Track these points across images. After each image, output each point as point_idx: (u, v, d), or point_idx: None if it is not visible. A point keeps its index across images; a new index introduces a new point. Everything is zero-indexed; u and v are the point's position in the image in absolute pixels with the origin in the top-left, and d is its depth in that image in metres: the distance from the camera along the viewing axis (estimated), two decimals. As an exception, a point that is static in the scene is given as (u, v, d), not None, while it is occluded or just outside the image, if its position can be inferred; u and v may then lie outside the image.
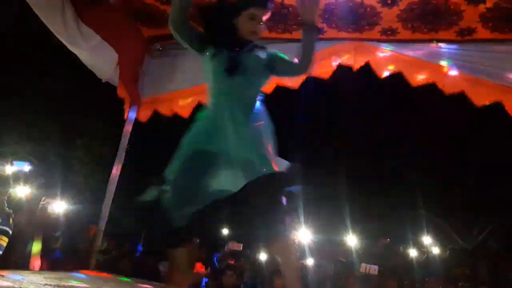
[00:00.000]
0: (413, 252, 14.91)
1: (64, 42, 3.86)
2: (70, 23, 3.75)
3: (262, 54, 2.44)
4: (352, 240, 15.05)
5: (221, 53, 2.35)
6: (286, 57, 2.49)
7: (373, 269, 9.41)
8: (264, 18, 2.39)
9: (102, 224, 4.60)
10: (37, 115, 11.53)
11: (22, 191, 5.30)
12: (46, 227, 4.73)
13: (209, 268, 7.51)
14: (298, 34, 4.25)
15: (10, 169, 4.84)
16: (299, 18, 2.49)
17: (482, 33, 4.05)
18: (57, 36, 3.79)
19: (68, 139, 12.51)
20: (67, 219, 5.22)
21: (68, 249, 5.11)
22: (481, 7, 3.71)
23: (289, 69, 2.54)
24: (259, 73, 2.42)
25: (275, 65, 2.45)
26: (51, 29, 3.74)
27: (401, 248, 15.56)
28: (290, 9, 4.01)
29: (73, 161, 12.64)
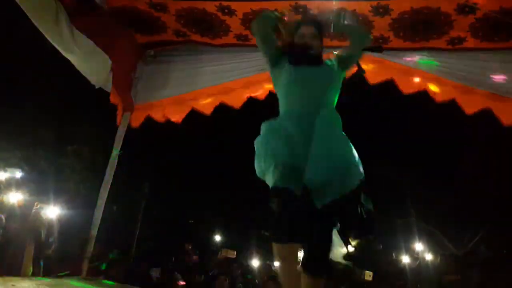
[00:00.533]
0: (405, 259, 14.98)
1: (58, 48, 3.86)
2: (64, 29, 3.75)
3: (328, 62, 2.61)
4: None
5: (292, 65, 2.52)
6: (339, 52, 2.65)
7: (368, 274, 9.44)
8: (308, 32, 2.54)
9: (94, 230, 4.58)
10: (28, 121, 11.46)
11: (13, 197, 5.28)
12: (39, 233, 4.72)
13: (202, 276, 7.48)
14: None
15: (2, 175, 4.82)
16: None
17: (472, 42, 4.12)
18: (51, 41, 3.79)
19: (60, 145, 12.44)
20: (60, 225, 5.21)
21: (61, 255, 5.08)
22: (471, 17, 3.78)
23: (350, 54, 2.63)
24: (327, 79, 2.55)
25: (342, 62, 2.60)
26: (44, 34, 3.73)
27: (393, 254, 15.63)
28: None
29: (65, 168, 12.56)
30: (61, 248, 5.19)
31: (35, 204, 5.07)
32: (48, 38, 3.77)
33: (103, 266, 5.92)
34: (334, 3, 3.84)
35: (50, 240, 4.85)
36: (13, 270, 4.29)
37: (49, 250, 4.84)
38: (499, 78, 4.11)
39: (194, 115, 4.94)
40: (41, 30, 3.69)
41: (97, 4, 4.09)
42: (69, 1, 3.80)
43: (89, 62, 4.22)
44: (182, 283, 6.77)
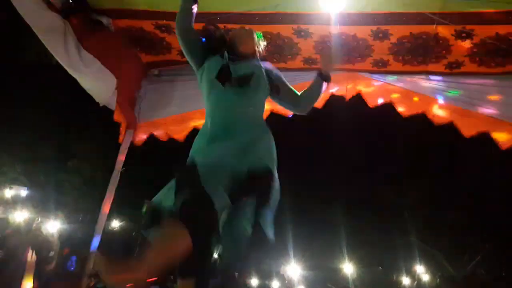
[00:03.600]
0: (405, 280, 14.89)
1: (65, 67, 3.95)
2: (71, 49, 3.85)
3: (264, 68, 2.42)
4: (344, 267, 15.01)
5: (216, 60, 2.37)
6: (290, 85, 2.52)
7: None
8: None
9: (95, 247, 4.58)
10: (31, 137, 11.53)
11: (15, 212, 5.30)
12: (39, 248, 4.73)
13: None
14: (292, 64, 4.42)
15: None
16: (320, 66, 2.65)
17: (470, 66, 4.23)
18: (58, 60, 3.88)
19: (61, 161, 12.49)
20: (60, 241, 5.22)
21: (61, 271, 5.08)
22: (469, 43, 3.88)
23: (291, 98, 2.54)
24: (258, 87, 2.33)
25: (278, 86, 2.45)
26: (52, 53, 3.82)
27: (394, 276, 15.54)
28: (286, 40, 4.16)
29: (65, 183, 12.60)
30: (62, 264, 5.20)
31: (36, 219, 5.09)
32: (56, 57, 3.86)
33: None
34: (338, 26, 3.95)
35: (51, 254, 4.85)
36: (14, 286, 4.30)
37: (51, 265, 4.84)
38: (496, 102, 4.20)
39: (196, 134, 4.99)
40: (48, 48, 3.78)
41: (104, 25, 4.20)
42: (77, 22, 3.91)
43: (95, 80, 4.30)
44: None
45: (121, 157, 4.88)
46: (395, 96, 4.51)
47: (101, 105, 4.65)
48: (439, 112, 4.44)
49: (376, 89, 4.52)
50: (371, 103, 4.57)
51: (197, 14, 3.97)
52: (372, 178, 15.17)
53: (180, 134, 5.03)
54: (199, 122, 4.95)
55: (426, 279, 13.80)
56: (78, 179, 12.84)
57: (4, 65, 10.37)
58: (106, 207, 4.70)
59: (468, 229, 13.33)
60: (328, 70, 2.58)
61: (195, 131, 5.00)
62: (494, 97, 4.23)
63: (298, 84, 4.53)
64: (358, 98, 4.57)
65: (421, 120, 4.54)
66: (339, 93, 4.58)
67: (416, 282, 13.22)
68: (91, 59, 4.08)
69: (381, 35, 3.96)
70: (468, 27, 3.73)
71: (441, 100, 4.41)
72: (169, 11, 4.02)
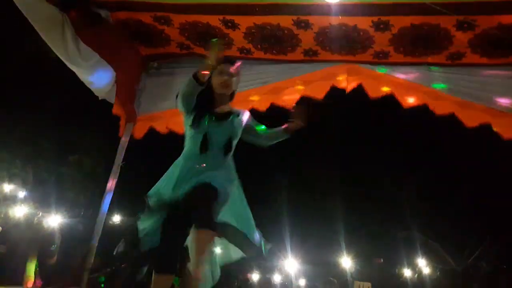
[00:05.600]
0: (405, 272, 14.93)
1: (64, 60, 3.92)
2: (70, 42, 3.82)
3: (239, 117, 2.89)
4: (345, 260, 15.04)
5: (201, 120, 2.77)
6: (257, 127, 2.98)
7: (367, 286, 9.43)
8: (232, 70, 2.87)
9: (96, 241, 4.58)
10: (30, 131, 11.52)
11: (16, 207, 5.29)
12: (41, 241, 4.72)
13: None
14: (292, 56, 4.40)
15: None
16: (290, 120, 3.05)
17: (472, 57, 4.19)
18: (57, 54, 3.85)
19: (62, 156, 12.49)
20: (61, 234, 5.22)
21: (62, 265, 5.08)
22: (470, 34, 3.84)
23: (256, 139, 3.03)
24: (230, 150, 2.79)
25: (249, 132, 2.95)
26: (50, 46, 3.80)
27: (396, 269, 15.59)
28: (286, 31, 4.13)
29: (66, 178, 12.60)
30: (63, 258, 5.19)
31: (37, 212, 5.09)
32: (54, 50, 3.84)
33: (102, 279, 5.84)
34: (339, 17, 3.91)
35: (53, 247, 4.84)
36: (15, 280, 4.30)
37: (53, 259, 4.83)
38: (498, 93, 4.17)
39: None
40: (47, 42, 3.76)
41: (102, 17, 4.16)
42: (75, 14, 3.87)
43: (94, 74, 4.28)
44: None
45: (121, 151, 4.88)
46: (396, 87, 4.47)
47: (100, 98, 4.63)
48: (440, 103, 4.41)
49: (377, 81, 4.49)
50: (372, 95, 4.54)
51: (197, 5, 3.98)
52: (372, 170, 15.16)
53: (180, 127, 4.96)
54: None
55: (427, 271, 13.83)
56: (79, 174, 12.85)
57: (3, 59, 10.34)
58: (106, 201, 4.70)
59: (469, 221, 13.33)
60: (296, 128, 2.99)
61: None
62: (496, 88, 4.20)
63: (298, 76, 4.56)
64: (359, 90, 4.54)
65: (422, 112, 4.51)
66: (340, 85, 4.55)
67: (417, 274, 13.24)
68: (89, 52, 4.05)
69: (382, 26, 3.91)
70: (470, 17, 3.69)
71: (442, 91, 4.37)
72: (168, 3, 3.99)
